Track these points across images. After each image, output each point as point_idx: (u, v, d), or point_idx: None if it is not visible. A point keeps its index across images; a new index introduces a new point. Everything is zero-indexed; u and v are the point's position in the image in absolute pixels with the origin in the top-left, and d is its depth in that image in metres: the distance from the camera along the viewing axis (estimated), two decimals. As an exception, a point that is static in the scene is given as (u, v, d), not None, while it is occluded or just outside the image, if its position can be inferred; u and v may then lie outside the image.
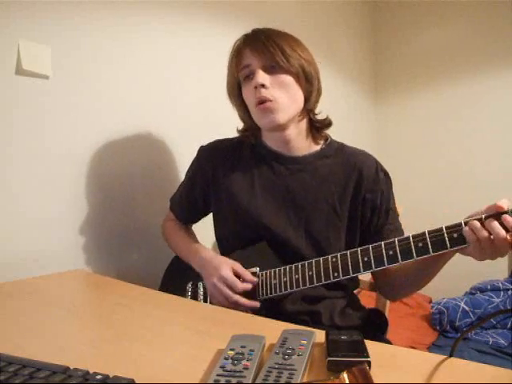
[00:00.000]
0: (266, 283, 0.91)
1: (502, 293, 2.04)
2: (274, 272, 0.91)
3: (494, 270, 2.13)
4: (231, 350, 0.53)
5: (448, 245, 0.72)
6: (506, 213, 0.68)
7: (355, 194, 0.97)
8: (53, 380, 0.45)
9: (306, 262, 0.87)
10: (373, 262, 0.80)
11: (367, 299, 1.21)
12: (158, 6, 1.34)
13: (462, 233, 0.71)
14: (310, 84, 0.96)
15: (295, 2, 1.98)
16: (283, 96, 0.93)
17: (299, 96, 0.95)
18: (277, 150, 1.02)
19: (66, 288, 0.97)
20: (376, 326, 1.00)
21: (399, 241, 0.78)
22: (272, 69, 0.93)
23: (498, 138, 2.33)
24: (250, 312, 0.87)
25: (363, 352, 0.52)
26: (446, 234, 0.73)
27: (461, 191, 2.38)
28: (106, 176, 1.22)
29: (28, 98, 1.05)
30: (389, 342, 0.93)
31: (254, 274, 0.93)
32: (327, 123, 1.02)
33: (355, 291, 1.07)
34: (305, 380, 0.49)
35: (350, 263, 0.82)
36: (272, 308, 0.90)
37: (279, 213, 0.97)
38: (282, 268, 0.90)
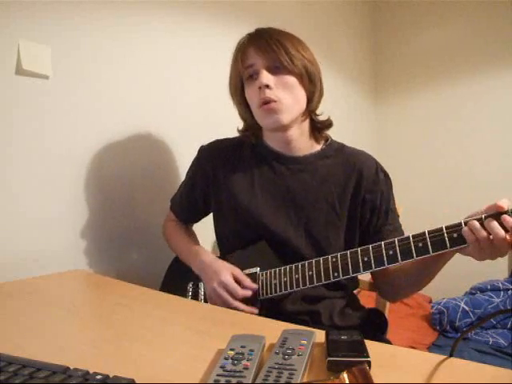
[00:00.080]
0: (266, 283, 0.91)
1: (502, 293, 2.04)
2: (274, 272, 0.91)
3: (493, 269, 2.14)
4: (231, 349, 0.53)
5: (448, 245, 0.72)
6: (505, 213, 0.68)
7: (355, 194, 0.97)
8: (53, 380, 0.45)
9: (306, 262, 0.87)
10: (373, 261, 0.80)
11: (367, 299, 1.21)
12: (158, 6, 1.34)
13: (461, 233, 0.71)
14: (312, 85, 0.96)
15: (295, 1, 1.98)
16: (287, 97, 0.93)
17: (302, 97, 0.96)
18: (278, 150, 1.02)
19: (66, 288, 0.97)
20: (376, 326, 1.00)
21: (399, 241, 0.78)
22: (276, 69, 0.93)
23: (498, 137, 2.33)
24: (252, 304, 0.87)
25: (363, 352, 0.52)
26: (445, 234, 0.73)
27: (461, 191, 2.38)
28: (106, 176, 1.22)
29: (28, 98, 1.05)
30: (389, 342, 0.93)
31: (254, 273, 0.94)
32: (328, 124, 1.03)
33: (355, 291, 1.07)
34: (305, 380, 0.49)
35: (349, 263, 0.82)
36: (272, 308, 0.90)
37: (279, 212, 0.97)
38: (282, 268, 0.90)
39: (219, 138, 1.11)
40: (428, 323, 2.08)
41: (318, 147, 1.03)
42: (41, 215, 1.08)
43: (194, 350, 0.60)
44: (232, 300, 0.88)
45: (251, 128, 1.04)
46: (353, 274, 0.82)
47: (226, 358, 0.51)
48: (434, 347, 1.87)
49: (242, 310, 0.88)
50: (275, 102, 0.92)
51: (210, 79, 1.49)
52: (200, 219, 1.18)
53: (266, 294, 0.91)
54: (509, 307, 1.96)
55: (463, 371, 0.52)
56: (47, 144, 1.09)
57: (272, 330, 0.60)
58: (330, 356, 0.52)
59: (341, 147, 1.04)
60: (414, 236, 0.76)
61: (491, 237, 0.68)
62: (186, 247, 1.08)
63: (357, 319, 0.96)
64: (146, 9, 1.30)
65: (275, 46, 0.92)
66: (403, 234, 0.96)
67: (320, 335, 0.59)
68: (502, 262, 2.21)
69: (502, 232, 0.67)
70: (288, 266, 0.90)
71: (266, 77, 0.92)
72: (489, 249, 0.70)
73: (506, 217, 0.67)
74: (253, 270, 0.94)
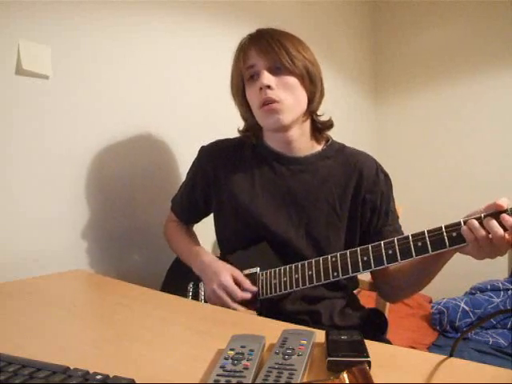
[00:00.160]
0: (266, 283, 0.91)
1: (502, 293, 2.04)
2: (274, 272, 0.91)
3: (493, 269, 2.14)
4: (231, 349, 0.53)
5: (447, 244, 0.72)
6: (505, 211, 0.68)
7: (355, 195, 0.97)
8: (53, 380, 0.45)
9: (306, 262, 0.88)
10: (372, 261, 0.80)
11: (367, 299, 1.21)
12: (158, 5, 1.34)
13: (460, 232, 0.71)
14: (313, 85, 0.97)
15: (295, 1, 1.98)
16: (288, 97, 0.93)
17: (303, 97, 0.96)
18: (278, 151, 1.02)
19: (66, 288, 0.97)
20: (376, 326, 1.00)
21: (398, 240, 0.78)
22: (277, 70, 0.93)
23: (498, 137, 2.33)
24: (252, 308, 0.87)
25: (363, 352, 0.52)
26: (445, 233, 0.73)
27: (461, 191, 2.38)
28: (106, 176, 1.22)
29: (28, 98, 1.05)
30: (389, 342, 0.93)
31: (254, 273, 0.94)
32: (329, 125, 1.03)
33: (355, 291, 1.07)
34: (305, 380, 0.49)
35: (349, 263, 0.82)
36: (272, 308, 0.90)
37: (280, 213, 0.97)
38: (282, 268, 0.90)
39: (220, 139, 1.11)
40: (428, 323, 2.08)
41: (318, 148, 1.03)
42: (41, 215, 1.08)
43: (194, 349, 0.60)
44: (231, 302, 0.89)
45: (252, 128, 1.04)
46: (352, 273, 0.82)
47: (226, 358, 0.51)
48: (433, 347, 1.87)
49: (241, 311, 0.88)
50: (277, 102, 0.92)
51: (210, 79, 1.49)
52: (201, 219, 1.18)
53: (266, 293, 0.91)
54: (509, 307, 1.96)
55: (463, 371, 0.52)
56: (47, 144, 1.09)
57: (272, 329, 0.60)
58: (330, 356, 0.52)
59: (341, 148, 1.04)
60: (413, 235, 0.76)
61: (490, 236, 0.68)
62: (187, 248, 1.08)
63: (357, 319, 0.96)
64: (146, 9, 1.30)
65: (276, 46, 0.92)
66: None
67: (320, 335, 0.59)
68: (501, 262, 2.21)
69: (500, 231, 0.67)
70: (288, 266, 0.90)
71: (267, 77, 0.92)
72: (488, 248, 0.70)
73: (504, 216, 0.67)
74: (253, 270, 0.94)
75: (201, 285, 1.01)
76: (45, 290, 0.92)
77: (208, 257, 1.00)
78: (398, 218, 1.02)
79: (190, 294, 1.02)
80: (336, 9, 2.33)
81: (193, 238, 1.16)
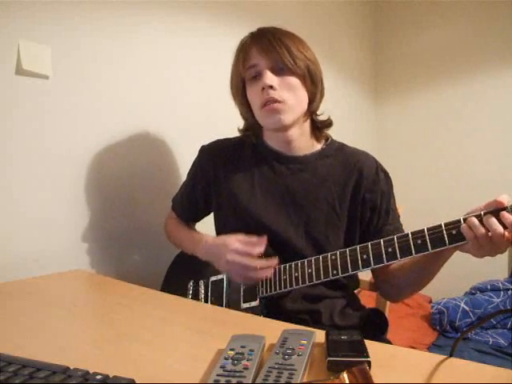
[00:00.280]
0: (266, 281, 0.91)
1: (502, 293, 2.04)
2: (274, 270, 0.91)
3: (494, 269, 2.14)
4: (231, 349, 0.53)
5: (447, 242, 0.72)
6: (504, 209, 0.68)
7: (355, 194, 0.97)
8: (53, 380, 0.45)
9: (306, 260, 0.88)
10: (372, 259, 0.79)
11: (367, 299, 1.21)
12: (158, 5, 1.34)
13: (460, 229, 0.71)
14: (314, 86, 0.97)
15: (297, 1, 1.98)
16: (291, 98, 0.93)
17: (304, 97, 0.96)
18: (278, 150, 1.02)
19: (66, 288, 0.97)
20: (376, 326, 0.99)
21: (398, 238, 0.78)
22: (279, 70, 0.93)
23: (498, 137, 2.33)
24: (252, 311, 0.87)
25: (363, 352, 0.52)
26: (444, 231, 0.73)
27: (461, 191, 2.38)
28: (106, 176, 1.22)
29: (28, 98, 1.05)
30: (389, 342, 0.93)
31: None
32: (328, 123, 1.04)
33: (355, 291, 1.07)
34: (305, 380, 0.49)
35: (349, 261, 0.82)
36: (272, 306, 0.91)
37: (279, 212, 0.97)
38: (282, 266, 0.91)
39: (220, 138, 1.11)
40: (428, 323, 2.08)
41: (318, 147, 1.03)
42: (41, 215, 1.08)
43: (194, 349, 0.60)
44: (250, 260, 0.88)
45: (252, 128, 1.04)
46: (352, 271, 0.82)
47: (226, 358, 0.51)
48: (433, 347, 1.87)
49: (265, 265, 0.88)
50: (279, 102, 0.92)
51: (210, 79, 1.49)
52: (201, 219, 1.18)
53: (266, 291, 0.91)
54: (509, 307, 1.97)
55: (463, 371, 0.52)
56: (47, 144, 1.09)
57: (272, 329, 0.60)
58: (330, 356, 0.52)
59: (341, 146, 1.04)
60: (412, 233, 0.76)
61: (490, 233, 0.68)
62: (188, 237, 1.09)
63: (357, 319, 0.96)
64: (146, 9, 1.30)
65: (278, 46, 0.92)
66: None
67: (320, 335, 0.59)
68: (501, 262, 2.21)
69: (500, 229, 0.67)
70: (288, 264, 0.90)
71: (269, 78, 0.92)
72: (488, 246, 0.70)
73: (504, 213, 0.67)
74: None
75: (201, 283, 1.01)
76: (45, 290, 0.92)
77: (209, 238, 1.01)
78: (398, 216, 1.02)
79: (191, 292, 1.02)
80: (337, 9, 2.33)
81: (194, 229, 1.17)
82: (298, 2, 1.99)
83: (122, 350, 0.60)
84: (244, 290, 0.94)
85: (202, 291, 1.00)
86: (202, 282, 1.01)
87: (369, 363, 0.50)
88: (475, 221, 0.69)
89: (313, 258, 0.87)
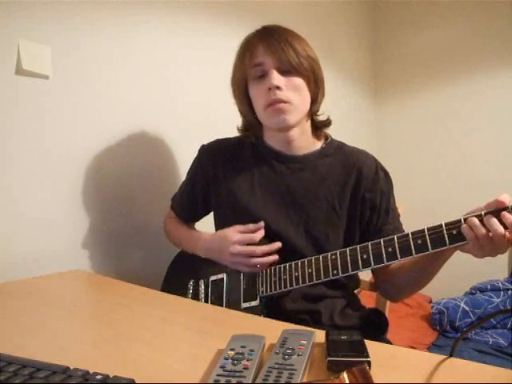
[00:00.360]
0: (266, 280, 0.91)
1: (502, 293, 2.04)
2: (274, 269, 0.91)
3: (494, 270, 2.14)
4: (231, 349, 0.53)
5: (447, 242, 0.72)
6: (505, 209, 0.68)
7: (354, 193, 0.97)
8: (53, 380, 0.45)
9: (306, 260, 0.88)
10: (372, 259, 0.79)
11: (367, 299, 1.21)
12: (158, 5, 1.34)
13: (461, 230, 0.71)
14: (317, 86, 0.98)
15: (296, 1, 1.98)
16: (296, 98, 0.93)
17: (308, 98, 0.97)
18: (278, 149, 1.02)
19: (66, 288, 0.97)
20: (376, 326, 0.99)
21: (398, 238, 0.78)
22: (286, 70, 0.93)
23: (497, 137, 2.33)
24: (252, 310, 0.87)
25: (363, 352, 0.52)
26: (445, 231, 0.72)
27: (460, 190, 2.38)
28: (106, 176, 1.22)
29: (28, 98, 1.05)
30: (389, 342, 0.93)
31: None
32: (327, 123, 1.05)
33: (355, 291, 1.07)
34: (305, 380, 0.49)
35: (349, 261, 0.82)
36: (272, 306, 0.90)
37: (279, 211, 0.97)
38: (282, 265, 0.91)
39: (219, 138, 1.11)
40: (428, 323, 2.08)
41: (318, 146, 1.03)
42: (41, 215, 1.08)
43: (194, 349, 0.60)
44: (253, 248, 0.90)
45: (252, 127, 1.04)
46: (352, 271, 0.82)
47: (226, 358, 0.51)
48: (433, 347, 1.87)
49: (267, 250, 0.90)
50: (285, 102, 0.92)
51: (210, 79, 1.49)
52: (200, 218, 1.18)
53: (266, 291, 0.91)
54: (509, 307, 1.97)
55: (463, 371, 0.52)
56: (47, 144, 1.09)
57: (272, 330, 0.60)
58: (330, 356, 0.52)
59: (340, 146, 1.05)
60: (413, 233, 0.76)
61: (491, 234, 0.68)
62: (187, 236, 1.10)
63: (357, 319, 0.96)
64: (146, 9, 1.30)
65: (285, 46, 0.91)
66: (404, 234, 0.96)
67: (320, 335, 0.59)
68: (502, 262, 2.21)
69: (501, 229, 0.67)
70: (288, 264, 0.90)
71: (276, 78, 0.91)
72: (488, 246, 0.69)
73: (505, 213, 0.67)
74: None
75: (201, 282, 1.01)
76: (45, 290, 0.92)
77: (209, 235, 1.02)
78: (398, 216, 1.02)
79: (191, 291, 1.02)
80: (336, 8, 2.34)
81: (193, 228, 1.17)
82: (298, 2, 2.00)
83: (121, 350, 0.60)
84: (244, 290, 0.94)
85: (202, 291, 1.00)
86: (202, 281, 1.01)
87: (369, 363, 0.50)
88: (476, 221, 0.69)
89: (313, 258, 0.87)
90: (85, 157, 1.17)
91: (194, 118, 1.45)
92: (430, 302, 2.29)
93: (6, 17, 1.00)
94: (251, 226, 0.93)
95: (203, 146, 1.11)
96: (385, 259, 0.78)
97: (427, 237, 0.74)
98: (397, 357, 0.58)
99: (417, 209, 2.10)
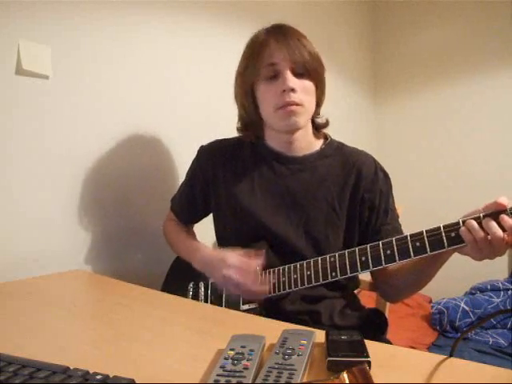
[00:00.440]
0: (265, 283, 0.91)
1: (502, 293, 2.04)
2: (273, 271, 0.91)
3: (493, 270, 2.14)
4: (231, 349, 0.53)
5: (446, 244, 0.72)
6: (504, 211, 0.68)
7: (353, 194, 0.97)
8: (53, 380, 0.45)
9: (305, 262, 0.88)
10: (370, 261, 0.80)
11: (367, 299, 1.21)
12: (158, 5, 1.34)
13: (459, 232, 0.71)
14: (321, 91, 0.99)
15: (296, 1, 1.98)
16: (307, 101, 0.94)
17: (314, 101, 0.97)
18: (278, 150, 1.02)
19: (66, 288, 0.97)
20: (376, 326, 0.99)
21: (397, 240, 0.78)
22: (299, 72, 0.92)
23: (497, 137, 2.33)
24: (251, 312, 0.87)
25: (363, 352, 0.52)
26: (443, 234, 0.72)
27: (460, 190, 2.38)
28: (106, 176, 1.22)
29: (28, 98, 1.05)
30: (389, 342, 0.93)
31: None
32: (326, 124, 1.06)
33: (355, 291, 1.07)
34: (305, 380, 0.49)
35: (347, 263, 0.82)
36: (272, 308, 0.90)
37: (279, 212, 0.97)
38: (281, 268, 0.90)
39: (219, 138, 1.11)
40: (428, 323, 2.08)
41: (317, 146, 1.03)
42: (41, 215, 1.08)
43: (194, 349, 0.60)
44: (246, 278, 0.86)
45: (253, 126, 1.03)
46: (351, 273, 0.82)
47: (226, 358, 0.51)
48: (433, 347, 1.87)
49: (255, 290, 0.87)
50: (297, 105, 0.92)
51: (210, 79, 1.49)
52: (200, 219, 1.18)
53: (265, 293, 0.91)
54: (509, 307, 1.96)
55: (463, 371, 0.53)
56: (47, 144, 1.09)
57: (272, 330, 0.60)
58: (330, 356, 0.52)
59: (340, 146, 1.05)
60: (411, 235, 0.76)
61: (489, 237, 0.68)
62: (185, 245, 1.09)
63: (357, 319, 0.96)
64: (146, 8, 1.30)
65: (301, 48, 0.91)
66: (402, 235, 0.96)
67: (320, 335, 0.59)
68: (502, 262, 2.21)
69: (500, 232, 0.67)
70: (287, 266, 0.90)
71: (292, 80, 0.91)
72: (487, 249, 0.69)
73: (504, 217, 0.67)
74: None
75: (201, 284, 1.01)
76: (45, 290, 0.92)
77: (208, 250, 1.00)
78: (397, 216, 1.02)
79: (191, 293, 1.02)
80: (336, 8, 2.34)
81: (192, 237, 1.16)
82: (298, 2, 2.00)
83: (121, 349, 0.60)
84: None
85: (202, 293, 1.00)
86: (201, 283, 1.01)
87: (369, 363, 0.50)
88: (474, 224, 0.69)
89: (312, 260, 0.87)
90: (85, 157, 1.17)
91: (193, 118, 1.45)
92: (430, 302, 2.29)
93: (6, 17, 1.00)
94: (252, 252, 0.90)
95: (202, 147, 1.11)
96: (383, 261, 0.78)
97: (426, 239, 0.74)
98: (397, 357, 0.58)
99: (416, 209, 2.10)
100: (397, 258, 0.77)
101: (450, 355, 0.54)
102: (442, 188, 2.49)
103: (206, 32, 1.50)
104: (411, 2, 2.55)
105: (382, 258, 0.78)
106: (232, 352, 0.52)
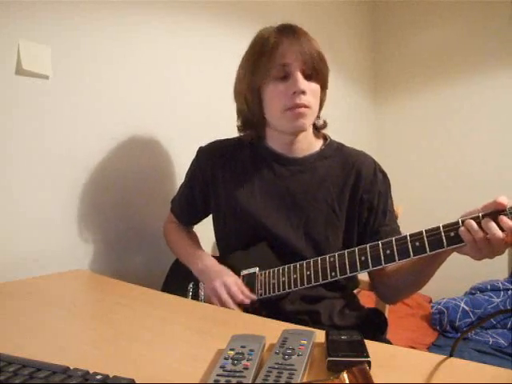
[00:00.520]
0: (265, 283, 0.91)
1: (502, 293, 2.04)
2: (273, 272, 0.91)
3: (493, 270, 2.14)
4: (231, 349, 0.53)
5: (445, 244, 0.72)
6: (503, 211, 0.68)
7: (353, 194, 0.97)
8: (53, 380, 0.45)
9: (304, 262, 0.88)
10: (370, 261, 0.80)
11: (367, 299, 1.21)
12: (158, 5, 1.34)
13: (458, 232, 0.71)
14: (324, 93, 0.99)
15: (296, 1, 1.98)
16: (314, 104, 0.94)
17: (318, 103, 0.98)
18: (279, 152, 1.02)
19: (66, 288, 0.97)
20: (376, 326, 0.99)
21: (396, 240, 0.78)
22: (309, 75, 0.92)
23: (497, 137, 2.33)
24: (250, 311, 0.87)
25: (363, 352, 0.52)
26: (443, 233, 0.73)
27: (459, 191, 2.38)
28: (106, 176, 1.22)
29: (28, 98, 1.05)
30: (389, 342, 0.93)
31: (253, 273, 0.94)
32: (324, 125, 1.06)
33: (355, 291, 1.07)
34: (305, 380, 0.49)
35: (347, 263, 0.82)
36: (271, 308, 0.90)
37: (279, 213, 0.97)
38: (281, 268, 0.90)
39: (218, 139, 1.11)
40: (428, 323, 2.08)
41: (317, 147, 1.03)
42: (41, 215, 1.08)
43: (194, 349, 0.60)
44: (231, 302, 0.87)
45: (256, 126, 1.02)
46: (350, 273, 0.82)
47: (225, 358, 0.51)
48: (434, 347, 1.87)
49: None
50: (306, 107, 0.92)
51: (210, 79, 1.49)
52: (200, 220, 1.18)
53: (265, 293, 0.91)
54: (509, 307, 1.96)
55: (463, 371, 0.53)
56: (47, 144, 1.09)
57: (272, 330, 0.60)
58: (330, 356, 0.52)
59: (340, 147, 1.05)
60: (411, 235, 0.76)
61: (488, 236, 0.68)
62: (186, 250, 1.08)
63: (357, 319, 0.96)
64: (146, 9, 1.30)
65: (312, 51, 0.91)
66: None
67: (320, 335, 0.59)
68: (501, 262, 2.21)
69: (499, 232, 0.67)
70: (286, 266, 0.90)
71: (303, 82, 0.91)
72: (486, 248, 0.69)
73: (503, 217, 0.67)
74: (252, 270, 0.94)
75: (201, 285, 1.01)
76: (45, 290, 0.92)
77: (211, 261, 1.00)
78: (396, 217, 1.02)
79: (190, 293, 1.02)
80: (336, 8, 2.34)
81: (193, 239, 1.16)
82: (298, 2, 2.00)
83: (121, 349, 0.60)
84: None
85: (202, 293, 1.00)
86: (201, 284, 1.00)
87: (369, 363, 0.50)
88: (473, 224, 0.69)
89: (311, 260, 0.87)
90: (85, 157, 1.17)
91: (193, 118, 1.45)
92: (430, 301, 2.29)
93: (6, 17, 1.00)
94: (247, 292, 0.90)
95: (201, 148, 1.11)
96: (383, 261, 0.78)
97: (425, 239, 0.74)
98: (397, 357, 0.58)
99: (416, 209, 2.10)
100: (396, 257, 0.77)
101: (450, 355, 0.54)
102: (441, 188, 2.49)
103: (206, 32, 1.50)
104: (411, 2, 2.55)
105: (382, 257, 0.78)
106: (232, 352, 0.52)
